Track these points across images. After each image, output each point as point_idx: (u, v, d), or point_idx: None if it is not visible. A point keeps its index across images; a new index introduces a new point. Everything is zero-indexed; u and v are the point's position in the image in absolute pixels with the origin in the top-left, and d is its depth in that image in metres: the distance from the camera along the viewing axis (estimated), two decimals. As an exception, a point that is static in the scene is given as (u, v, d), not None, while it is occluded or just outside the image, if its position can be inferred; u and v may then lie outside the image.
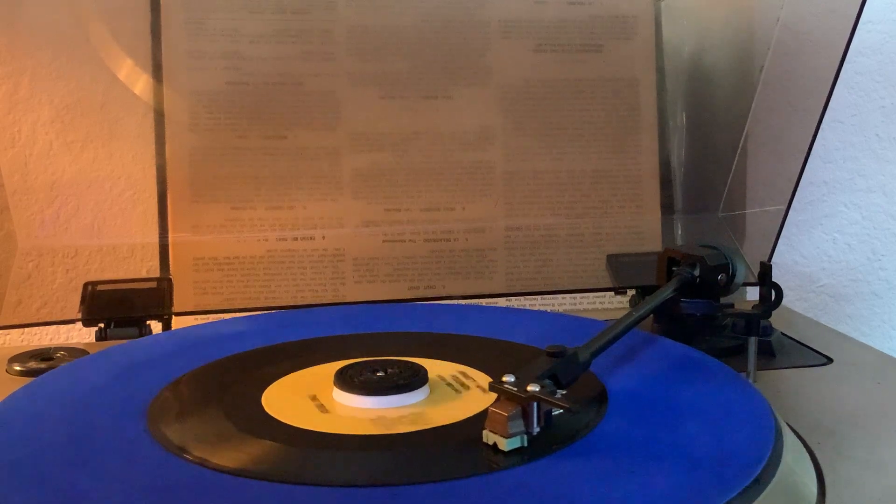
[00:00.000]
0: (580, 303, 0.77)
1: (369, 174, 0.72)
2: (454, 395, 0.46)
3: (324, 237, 0.71)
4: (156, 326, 0.65)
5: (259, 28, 0.71)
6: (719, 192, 0.76)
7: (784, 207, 0.71)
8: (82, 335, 0.68)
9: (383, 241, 0.72)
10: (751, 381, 0.53)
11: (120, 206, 0.74)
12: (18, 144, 0.72)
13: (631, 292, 0.71)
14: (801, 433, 0.45)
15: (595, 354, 0.45)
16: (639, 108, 0.76)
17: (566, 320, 0.62)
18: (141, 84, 0.71)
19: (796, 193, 0.70)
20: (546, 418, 0.40)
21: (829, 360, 0.59)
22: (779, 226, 0.71)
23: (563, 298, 0.77)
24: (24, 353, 0.60)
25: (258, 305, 0.68)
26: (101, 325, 0.64)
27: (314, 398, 0.45)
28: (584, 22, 0.76)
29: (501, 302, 0.74)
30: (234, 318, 0.65)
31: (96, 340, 0.63)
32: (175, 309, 0.65)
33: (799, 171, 0.69)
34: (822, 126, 0.67)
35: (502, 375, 0.40)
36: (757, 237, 0.74)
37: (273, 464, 0.38)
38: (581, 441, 0.40)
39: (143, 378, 0.48)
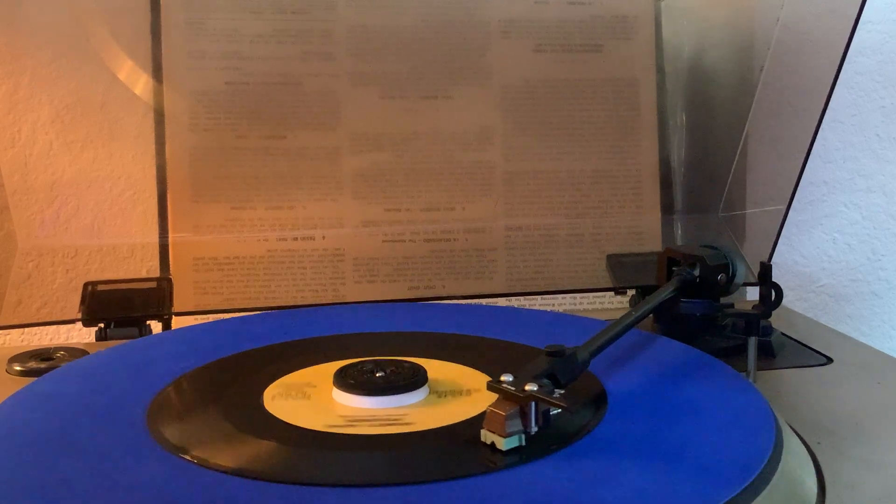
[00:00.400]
0: (580, 303, 0.77)
1: (369, 174, 0.72)
2: (454, 395, 0.46)
3: (324, 237, 0.71)
4: (156, 326, 0.65)
5: (259, 28, 0.71)
6: (719, 192, 0.76)
7: (784, 207, 0.71)
8: (82, 335, 0.68)
9: (383, 241, 0.72)
10: (751, 381, 0.53)
11: (120, 206, 0.74)
12: (18, 144, 0.72)
13: (631, 292, 0.71)
14: (801, 433, 0.45)
15: (594, 354, 0.45)
16: (639, 108, 0.76)
17: (566, 320, 0.62)
18: (141, 84, 0.71)
19: (796, 193, 0.70)
20: (544, 418, 0.40)
21: (829, 360, 0.59)
22: (779, 226, 0.71)
23: (563, 298, 0.77)
24: (24, 353, 0.60)
25: (258, 305, 0.68)
26: (101, 325, 0.64)
27: (314, 398, 0.45)
28: (584, 22, 0.76)
29: (501, 302, 0.74)
30: (234, 318, 0.65)
31: (96, 340, 0.63)
32: (175, 309, 0.65)
33: (799, 171, 0.69)
34: (822, 126, 0.67)
35: (501, 375, 0.40)
36: (757, 237, 0.74)
37: (273, 464, 0.38)
38: (580, 441, 0.40)
39: (143, 378, 0.48)
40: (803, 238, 0.88)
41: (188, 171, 0.70)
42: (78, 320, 0.64)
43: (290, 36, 0.72)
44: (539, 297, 0.76)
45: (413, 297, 0.71)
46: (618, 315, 0.50)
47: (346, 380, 0.45)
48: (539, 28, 0.75)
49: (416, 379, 0.45)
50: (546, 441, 0.39)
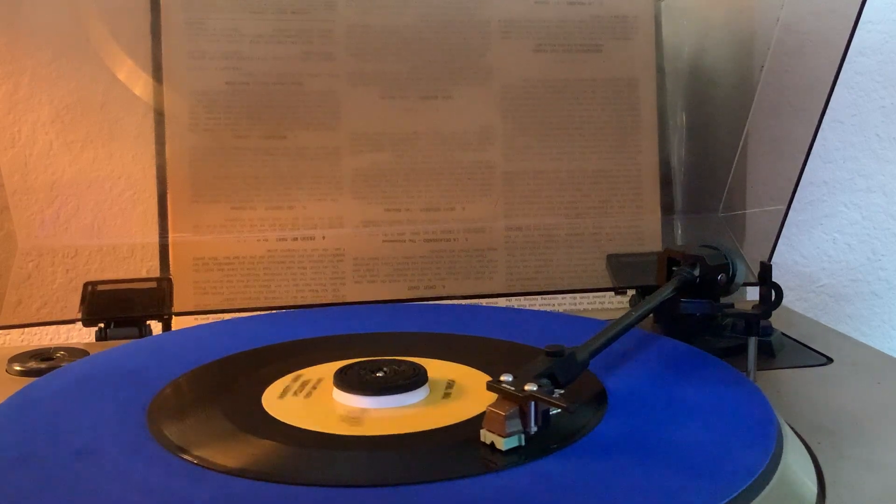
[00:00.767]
0: (580, 303, 0.77)
1: (369, 174, 0.72)
2: (454, 395, 0.46)
3: (324, 237, 0.71)
4: (156, 326, 0.65)
5: (259, 28, 0.71)
6: (719, 192, 0.76)
7: (784, 207, 0.71)
8: (82, 335, 0.68)
9: (383, 241, 0.72)
10: (751, 381, 0.53)
11: (120, 206, 0.74)
12: (18, 144, 0.72)
13: (631, 292, 0.71)
14: (801, 433, 0.45)
15: (594, 354, 0.45)
16: (639, 108, 0.76)
17: (566, 320, 0.62)
18: (141, 84, 0.71)
19: (796, 193, 0.70)
20: (544, 418, 0.40)
21: (829, 360, 0.59)
22: (779, 226, 0.71)
23: (563, 298, 0.77)
24: (24, 353, 0.60)
25: (258, 305, 0.68)
26: (101, 325, 0.64)
27: (314, 398, 0.45)
28: (584, 22, 0.76)
29: (501, 302, 0.74)
30: (233, 319, 0.65)
31: (96, 340, 0.63)
32: (175, 309, 0.65)
33: (799, 171, 0.69)
34: (822, 126, 0.67)
35: (500, 375, 0.40)
36: (757, 237, 0.74)
37: (273, 464, 0.38)
38: (580, 441, 0.40)
39: (144, 378, 0.48)
40: (803, 238, 0.88)
41: (188, 171, 0.70)
42: (78, 320, 0.64)
43: (290, 36, 0.72)
44: (539, 297, 0.76)
45: (413, 297, 0.71)
46: (618, 315, 0.50)
47: (346, 380, 0.45)
48: (539, 28, 0.75)
49: (416, 379, 0.45)
50: (546, 441, 0.39)
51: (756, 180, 0.76)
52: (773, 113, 0.75)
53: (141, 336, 0.63)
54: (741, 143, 0.75)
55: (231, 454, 0.39)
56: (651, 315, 0.56)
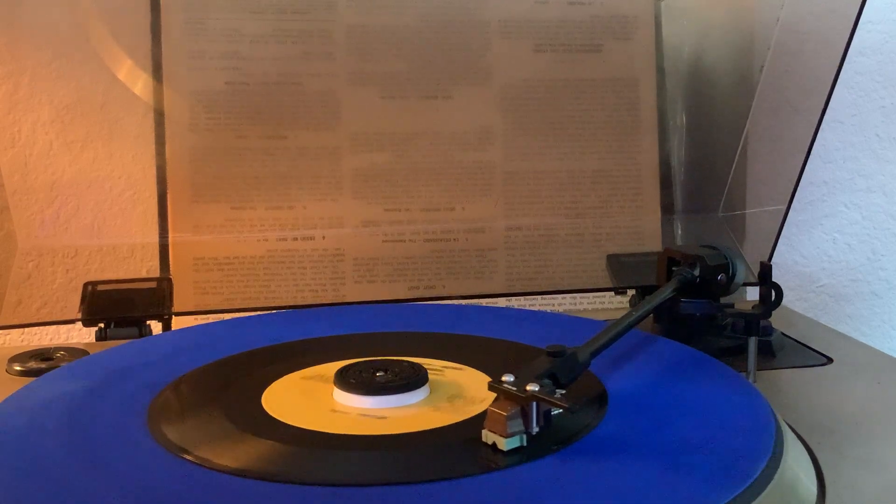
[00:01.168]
0: (580, 303, 0.77)
1: (369, 174, 0.72)
2: (454, 395, 0.46)
3: (324, 237, 0.71)
4: (156, 326, 0.65)
5: (259, 28, 0.71)
6: (719, 192, 0.76)
7: (784, 207, 0.71)
8: (82, 335, 0.68)
9: (383, 241, 0.72)
10: (751, 381, 0.53)
11: (120, 206, 0.74)
12: (18, 144, 0.72)
13: (631, 292, 0.71)
14: (801, 433, 0.45)
15: (594, 354, 0.45)
16: (639, 108, 0.76)
17: (566, 320, 0.62)
18: (141, 84, 0.71)
19: (796, 193, 0.70)
20: (545, 418, 0.40)
21: (829, 360, 0.59)
22: (779, 226, 0.71)
23: (563, 298, 0.77)
24: (24, 353, 0.60)
25: (258, 305, 0.68)
26: (101, 325, 0.64)
27: (314, 398, 0.45)
28: (584, 22, 0.76)
29: (501, 302, 0.74)
30: (233, 319, 0.65)
31: (96, 340, 0.63)
32: (175, 309, 0.65)
33: (799, 171, 0.69)
34: (822, 126, 0.67)
35: (502, 375, 0.40)
36: (757, 237, 0.74)
37: (273, 464, 0.38)
38: (581, 441, 0.40)
39: (143, 378, 0.48)
40: (803, 238, 0.88)
41: (188, 171, 0.70)
42: (78, 320, 0.64)
43: (290, 36, 0.72)
44: (539, 297, 0.76)
45: (413, 297, 0.71)
46: (618, 315, 0.50)
47: (346, 380, 0.45)
48: (539, 28, 0.75)
49: (416, 379, 0.45)
50: (547, 441, 0.39)
51: (756, 180, 0.76)
52: (773, 113, 0.75)
53: (141, 336, 0.63)
54: (741, 143, 0.75)
55: (231, 454, 0.39)
56: (651, 315, 0.56)
